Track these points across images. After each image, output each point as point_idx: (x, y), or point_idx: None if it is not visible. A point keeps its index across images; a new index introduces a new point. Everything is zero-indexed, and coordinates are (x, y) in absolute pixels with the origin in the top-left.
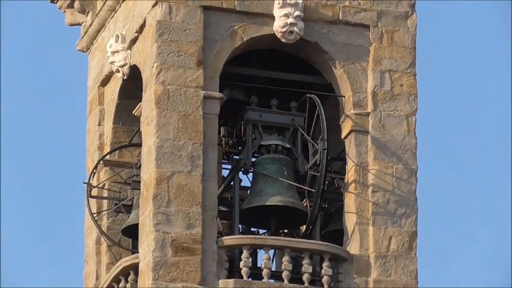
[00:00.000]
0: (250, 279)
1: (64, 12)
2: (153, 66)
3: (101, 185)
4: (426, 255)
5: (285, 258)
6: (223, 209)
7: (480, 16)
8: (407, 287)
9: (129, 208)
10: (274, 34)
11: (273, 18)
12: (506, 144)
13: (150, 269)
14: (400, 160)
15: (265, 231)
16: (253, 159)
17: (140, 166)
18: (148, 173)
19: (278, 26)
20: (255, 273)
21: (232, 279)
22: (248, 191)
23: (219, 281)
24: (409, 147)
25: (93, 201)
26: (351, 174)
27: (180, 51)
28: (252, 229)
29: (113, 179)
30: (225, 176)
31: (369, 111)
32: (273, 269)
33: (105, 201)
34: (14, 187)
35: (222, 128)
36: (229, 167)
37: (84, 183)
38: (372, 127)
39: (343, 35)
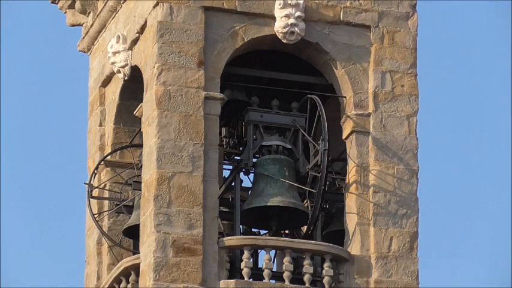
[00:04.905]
0: (251, 279)
1: (65, 12)
2: (154, 67)
3: (102, 186)
4: (427, 256)
5: (286, 259)
6: (224, 209)
7: (480, 16)
8: (408, 287)
9: (130, 209)
10: (275, 35)
11: (274, 18)
12: (506, 145)
13: (151, 270)
14: (401, 161)
15: (266, 231)
16: (254, 160)
17: (141, 167)
18: (149, 174)
19: (279, 26)
20: (256, 273)
21: (233, 280)
22: (249, 192)
23: (220, 282)
24: (410, 148)
25: (94, 202)
26: (352, 174)
27: (181, 52)
28: (253, 230)
29: (114, 180)
30: (226, 176)
31: (370, 111)
32: (274, 269)
33: (106, 202)
34: (14, 187)
35: (223, 128)
36: (230, 167)
37: (85, 183)
38: (373, 128)
39: (344, 36)
